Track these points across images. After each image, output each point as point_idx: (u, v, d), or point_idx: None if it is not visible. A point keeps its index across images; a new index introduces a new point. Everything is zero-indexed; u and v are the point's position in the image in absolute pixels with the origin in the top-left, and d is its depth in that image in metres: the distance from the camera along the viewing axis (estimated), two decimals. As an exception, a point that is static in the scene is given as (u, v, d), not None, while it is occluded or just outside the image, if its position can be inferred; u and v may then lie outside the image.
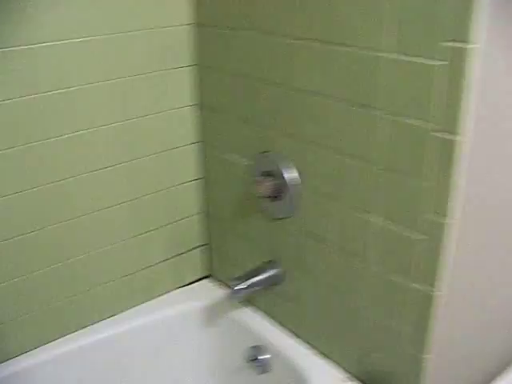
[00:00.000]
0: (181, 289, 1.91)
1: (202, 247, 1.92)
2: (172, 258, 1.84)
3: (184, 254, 1.87)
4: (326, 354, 1.57)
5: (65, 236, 1.57)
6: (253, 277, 1.61)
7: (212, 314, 1.84)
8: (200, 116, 1.73)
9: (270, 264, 1.64)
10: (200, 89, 1.69)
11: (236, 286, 1.58)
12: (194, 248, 1.90)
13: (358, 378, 1.48)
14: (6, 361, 1.58)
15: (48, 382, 1.64)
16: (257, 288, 1.63)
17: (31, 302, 1.57)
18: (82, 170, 1.54)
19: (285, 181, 1.46)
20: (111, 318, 1.76)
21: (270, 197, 1.49)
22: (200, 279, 1.96)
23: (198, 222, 1.87)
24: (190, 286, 1.93)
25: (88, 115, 1.50)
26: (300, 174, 1.44)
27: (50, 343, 1.65)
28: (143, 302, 1.83)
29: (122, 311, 1.79)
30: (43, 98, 1.39)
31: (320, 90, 1.30)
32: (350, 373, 1.51)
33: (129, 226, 1.70)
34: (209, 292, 1.90)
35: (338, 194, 1.36)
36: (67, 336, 1.69)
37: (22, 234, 1.49)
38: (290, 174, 1.45)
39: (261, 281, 1.62)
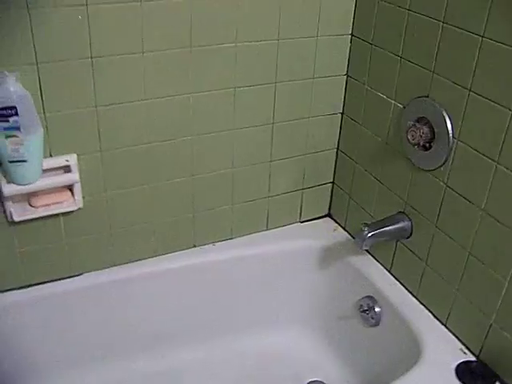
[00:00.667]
0: (299, 224, 1.85)
1: (328, 185, 1.83)
2: (296, 190, 1.77)
3: (309, 189, 1.79)
4: (443, 321, 1.47)
5: (194, 151, 1.53)
6: (382, 226, 1.51)
7: (328, 255, 1.77)
8: (352, 46, 1.60)
9: (400, 215, 1.53)
10: (357, 17, 1.56)
11: (364, 232, 1.49)
12: (320, 185, 1.82)
13: (475, 355, 1.38)
14: (112, 266, 1.60)
15: (162, 291, 1.68)
16: (383, 238, 1.53)
17: (152, 212, 1.57)
18: (224, 85, 1.48)
19: (440, 131, 1.33)
20: (227, 241, 1.74)
21: (419, 145, 1.37)
22: (319, 217, 1.88)
23: (328, 158, 1.78)
24: (308, 222, 1.86)
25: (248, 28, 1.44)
26: (455, 126, 1.30)
27: (160, 256, 1.66)
28: (259, 232, 1.78)
29: (237, 237, 1.75)
30: None
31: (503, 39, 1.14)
32: (467, 347, 1.40)
33: (261, 151, 1.64)
34: (327, 232, 1.83)
35: (493, 155, 1.21)
36: (179, 252, 1.68)
37: (157, 142, 1.47)
38: (446, 125, 1.31)
39: (389, 231, 1.51)
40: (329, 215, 1.89)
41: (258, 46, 1.47)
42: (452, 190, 1.34)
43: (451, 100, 1.29)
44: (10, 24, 1.18)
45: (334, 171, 1.80)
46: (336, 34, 1.57)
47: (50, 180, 1.35)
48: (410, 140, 1.37)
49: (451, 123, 1.31)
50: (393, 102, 1.48)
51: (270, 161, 1.66)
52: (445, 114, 1.31)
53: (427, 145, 1.37)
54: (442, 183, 1.37)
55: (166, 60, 1.37)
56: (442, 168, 1.36)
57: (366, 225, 1.50)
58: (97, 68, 1.30)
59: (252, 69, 1.49)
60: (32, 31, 1.21)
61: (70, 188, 1.41)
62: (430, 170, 1.40)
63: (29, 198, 1.39)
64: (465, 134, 1.28)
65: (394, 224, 1.52)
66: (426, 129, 1.35)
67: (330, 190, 1.84)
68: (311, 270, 1.79)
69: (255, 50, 1.47)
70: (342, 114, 1.70)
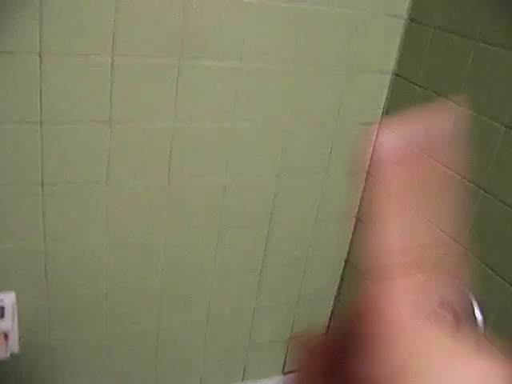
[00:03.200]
0: (281, 376, 1.57)
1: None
2: (282, 340, 1.50)
3: (297, 340, 1.52)
4: None
5: (163, 295, 1.28)
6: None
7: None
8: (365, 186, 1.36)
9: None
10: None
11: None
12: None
13: None
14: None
15: None
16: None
17: (109, 359, 1.30)
18: (207, 224, 1.23)
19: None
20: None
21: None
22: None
23: (324, 307, 1.51)
24: (292, 374, 1.58)
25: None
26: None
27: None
28: (233, 383, 1.50)
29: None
30: None
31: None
32: None
33: (245, 295, 1.39)
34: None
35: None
36: None
37: (117, 283, 1.21)
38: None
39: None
40: (318, 367, 1.61)
41: (253, 182, 1.23)
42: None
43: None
44: None
45: (329, 321, 1.54)
46: (347, 171, 1.33)
47: (-26, 328, 1.09)
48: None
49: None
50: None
51: (254, 309, 1.40)
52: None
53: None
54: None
55: (135, 191, 1.13)
56: None
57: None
58: (47, 195, 1.06)
59: (244, 207, 1.25)
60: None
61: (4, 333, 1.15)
62: None
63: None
64: None
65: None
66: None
67: (321, 340, 1.57)
68: None
69: (250, 185, 1.23)
70: (346, 261, 1.45)
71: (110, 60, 0.99)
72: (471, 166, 1.02)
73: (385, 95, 1.28)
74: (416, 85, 1.20)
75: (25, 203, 1.05)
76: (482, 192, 1.05)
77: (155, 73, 1.04)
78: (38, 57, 0.94)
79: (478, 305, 1.06)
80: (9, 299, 1.13)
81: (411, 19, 1.22)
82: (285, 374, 1.57)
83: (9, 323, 1.11)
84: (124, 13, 0.97)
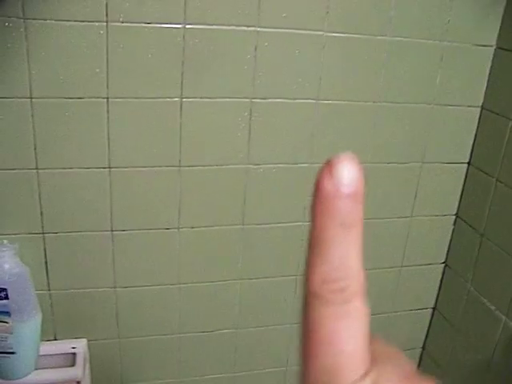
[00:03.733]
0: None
1: None
2: None
3: None
4: None
5: (242, 346, 1.21)
6: None
7: None
8: (455, 229, 1.25)
9: None
10: (464, 198, 1.22)
11: None
12: None
13: None
14: None
15: None
16: None
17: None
18: (286, 273, 1.16)
19: None
20: None
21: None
22: None
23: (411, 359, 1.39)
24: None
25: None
26: None
27: None
28: None
29: None
30: None
31: None
32: None
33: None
34: None
35: None
36: None
37: (192, 333, 1.15)
38: None
39: None
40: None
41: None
42: None
43: None
44: (15, 186, 0.94)
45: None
46: (436, 215, 1.22)
47: (47, 374, 1.07)
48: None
49: None
50: (504, 317, 1.11)
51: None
52: None
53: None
54: None
55: (209, 236, 1.08)
56: None
57: None
58: (118, 241, 1.04)
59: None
60: (40, 195, 0.96)
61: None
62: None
63: None
64: None
65: None
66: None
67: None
68: None
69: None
70: (434, 309, 1.33)
71: (179, 102, 0.96)
72: None
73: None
74: (507, 118, 1.10)
75: (96, 250, 1.03)
76: None
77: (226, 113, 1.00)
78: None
79: None
80: (81, 346, 1.11)
81: (500, 47, 1.12)
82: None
83: (80, 370, 1.08)
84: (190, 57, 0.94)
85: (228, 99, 0.98)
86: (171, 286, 1.10)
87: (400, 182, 1.16)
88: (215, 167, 1.02)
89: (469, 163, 1.20)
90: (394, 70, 1.06)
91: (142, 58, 0.91)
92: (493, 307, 1.14)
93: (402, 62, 1.05)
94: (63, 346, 1.10)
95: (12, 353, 1.01)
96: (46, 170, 0.94)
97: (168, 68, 0.93)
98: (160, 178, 1.00)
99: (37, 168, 0.94)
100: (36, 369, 1.06)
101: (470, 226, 1.20)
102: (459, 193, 1.22)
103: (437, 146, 1.15)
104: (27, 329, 1.01)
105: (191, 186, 1.02)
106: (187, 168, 1.01)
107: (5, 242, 0.96)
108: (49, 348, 1.08)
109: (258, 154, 1.04)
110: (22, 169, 0.93)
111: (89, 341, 1.12)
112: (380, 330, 1.28)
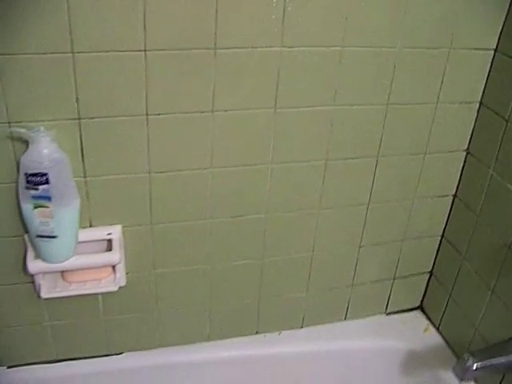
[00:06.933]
0: (384, 316, 1.53)
1: (424, 275, 1.50)
2: (386, 280, 1.45)
3: (401, 279, 1.47)
4: None
5: (267, 230, 1.26)
6: (493, 355, 1.17)
7: (416, 362, 1.44)
8: (478, 117, 1.26)
9: (516, 342, 1.19)
10: (489, 83, 1.22)
11: (468, 362, 1.15)
12: (415, 274, 1.49)
13: None
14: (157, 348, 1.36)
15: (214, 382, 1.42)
16: (491, 372, 1.19)
17: (209, 294, 1.31)
18: (313, 156, 1.20)
19: None
20: (295, 330, 1.45)
21: None
22: (408, 310, 1.55)
23: (429, 246, 1.45)
24: (395, 315, 1.54)
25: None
26: None
27: (214, 341, 1.40)
28: (335, 322, 1.48)
29: (308, 326, 1.46)
30: None
31: None
32: None
33: (350, 234, 1.35)
34: (416, 331, 1.50)
35: None
36: (237, 338, 1.42)
37: (222, 217, 1.21)
38: None
39: (503, 365, 1.17)
40: (420, 308, 1.56)
41: (361, 111, 1.16)
42: None
43: None
44: (50, 71, 0.94)
45: (434, 261, 1.47)
46: (460, 101, 1.23)
47: (85, 260, 1.10)
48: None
49: None
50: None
51: (360, 246, 1.36)
52: None
53: None
54: None
55: (242, 120, 1.09)
56: None
57: (471, 354, 1.16)
58: (153, 126, 1.04)
59: (351, 137, 1.19)
60: (76, 80, 0.96)
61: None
62: None
63: (62, 271, 1.15)
64: None
65: (507, 354, 1.18)
66: None
67: (425, 280, 1.51)
68: (393, 377, 1.46)
69: (357, 114, 1.17)
70: (455, 196, 1.37)
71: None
72: None
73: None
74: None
75: (129, 134, 1.04)
76: None
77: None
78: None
79: None
80: (116, 232, 1.14)
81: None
82: (387, 314, 1.53)
83: (117, 255, 1.12)
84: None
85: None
86: (204, 171, 1.12)
87: (427, 68, 1.16)
88: (249, 49, 1.02)
89: (495, 50, 1.20)
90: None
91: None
92: (516, 190, 1.18)
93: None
94: (99, 232, 1.13)
95: (53, 237, 1.04)
96: (82, 54, 0.94)
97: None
98: (194, 61, 1.00)
99: (72, 52, 0.93)
100: (75, 254, 1.10)
101: (494, 112, 1.21)
102: (484, 80, 1.23)
103: (465, 32, 1.14)
104: (67, 213, 1.04)
105: (225, 69, 1.02)
106: (222, 51, 1.00)
107: (42, 128, 0.97)
108: (85, 235, 1.11)
109: (292, 36, 1.03)
110: (58, 53, 0.93)
111: (123, 227, 1.15)
112: (402, 216, 1.33)
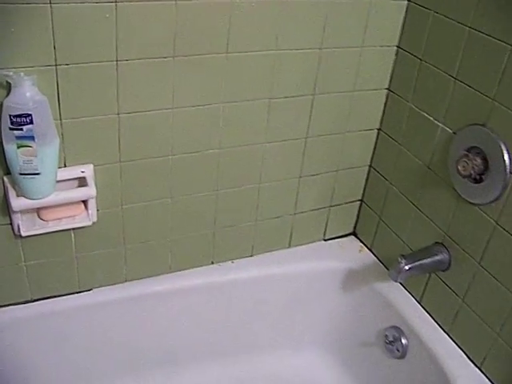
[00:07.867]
0: (323, 242, 1.73)
1: (356, 203, 1.71)
2: (323, 208, 1.65)
3: (336, 206, 1.67)
4: (477, 364, 1.36)
5: (221, 164, 1.42)
6: (420, 258, 1.39)
7: (353, 278, 1.65)
8: (397, 59, 1.47)
9: (438, 247, 1.42)
10: (405, 29, 1.42)
11: (401, 264, 1.37)
12: (348, 202, 1.69)
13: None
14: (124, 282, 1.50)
15: (177, 309, 1.57)
16: (419, 272, 1.42)
17: (171, 226, 1.45)
18: (259, 96, 1.36)
19: (495, 164, 1.21)
20: (246, 258, 1.62)
21: (470, 177, 1.25)
22: (344, 235, 1.76)
23: (359, 175, 1.65)
24: (332, 240, 1.74)
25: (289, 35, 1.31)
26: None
27: (175, 272, 1.55)
28: (281, 249, 1.67)
29: (258, 254, 1.64)
30: None
31: None
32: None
33: (292, 166, 1.53)
34: (352, 252, 1.71)
35: None
36: (196, 269, 1.58)
37: (182, 154, 1.35)
38: (503, 158, 1.19)
39: (427, 265, 1.40)
40: (354, 234, 1.78)
41: (299, 55, 1.34)
42: (503, 229, 1.22)
43: (509, 131, 1.18)
44: (30, 21, 1.04)
45: (364, 189, 1.68)
46: (381, 45, 1.43)
47: (65, 195, 1.22)
48: (461, 171, 1.24)
49: (509, 157, 1.18)
50: (440, 125, 1.36)
51: (300, 176, 1.54)
52: (503, 147, 1.19)
53: (478, 177, 1.25)
54: (491, 220, 1.25)
55: (199, 65, 1.24)
56: (493, 204, 1.24)
57: (403, 257, 1.38)
58: (122, 72, 1.17)
59: (291, 79, 1.36)
60: (53, 29, 1.07)
61: (84, 201, 1.29)
62: (478, 204, 1.28)
63: (38, 210, 1.26)
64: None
65: (431, 256, 1.40)
66: (479, 160, 1.23)
67: (357, 208, 1.72)
68: (334, 293, 1.67)
69: (296, 58, 1.34)
70: (379, 130, 1.58)
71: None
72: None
73: None
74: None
75: (100, 79, 1.16)
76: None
77: None
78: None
79: (508, 150, 1.19)
80: (89, 171, 1.25)
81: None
82: (326, 240, 1.73)
83: (93, 190, 1.24)
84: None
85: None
86: (166, 111, 1.26)
87: (353, 16, 1.35)
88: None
89: (409, 0, 1.40)
90: None
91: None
92: (431, 118, 1.39)
93: None
94: (74, 171, 1.25)
95: (37, 174, 1.15)
96: (59, 4, 1.05)
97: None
98: (157, 11, 1.13)
99: (50, 3, 1.04)
100: (55, 190, 1.22)
101: (410, 53, 1.42)
102: (400, 26, 1.43)
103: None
104: (49, 151, 1.15)
105: (187, 18, 1.16)
106: (183, 2, 1.14)
107: (21, 74, 1.07)
108: (61, 174, 1.22)
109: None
110: (37, 3, 1.03)
111: (95, 166, 1.27)
112: (335, 149, 1.52)
